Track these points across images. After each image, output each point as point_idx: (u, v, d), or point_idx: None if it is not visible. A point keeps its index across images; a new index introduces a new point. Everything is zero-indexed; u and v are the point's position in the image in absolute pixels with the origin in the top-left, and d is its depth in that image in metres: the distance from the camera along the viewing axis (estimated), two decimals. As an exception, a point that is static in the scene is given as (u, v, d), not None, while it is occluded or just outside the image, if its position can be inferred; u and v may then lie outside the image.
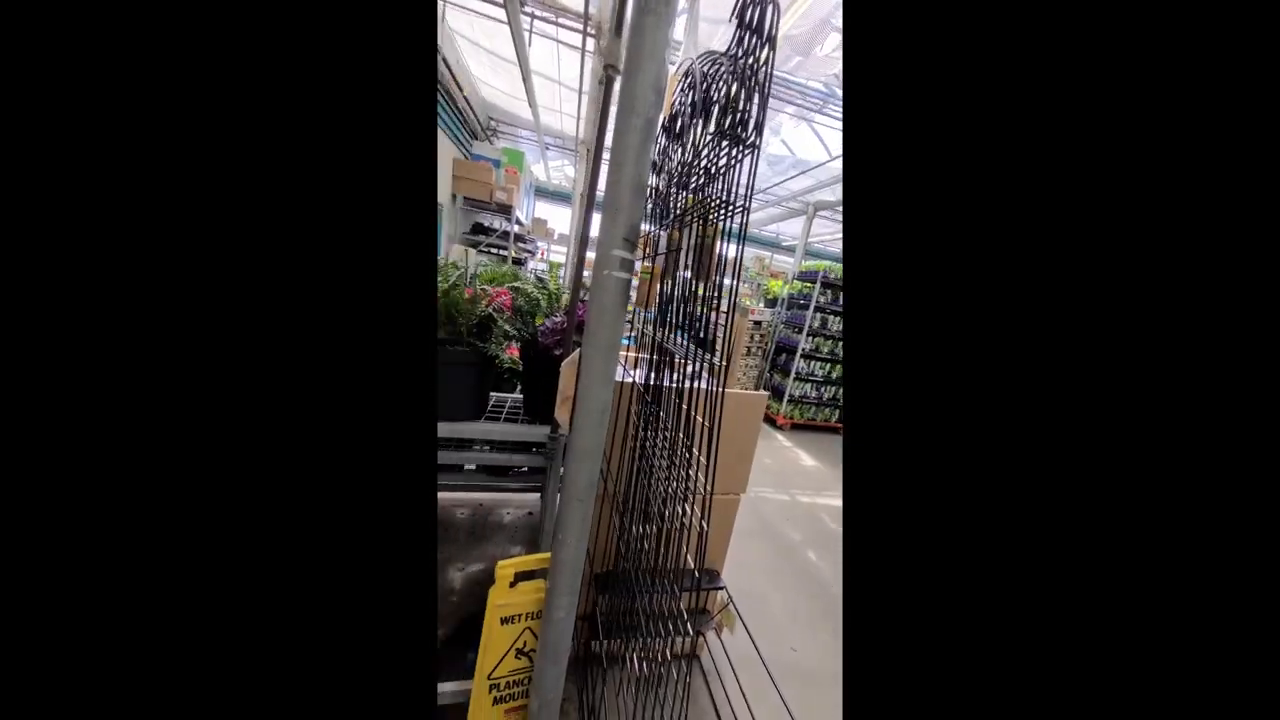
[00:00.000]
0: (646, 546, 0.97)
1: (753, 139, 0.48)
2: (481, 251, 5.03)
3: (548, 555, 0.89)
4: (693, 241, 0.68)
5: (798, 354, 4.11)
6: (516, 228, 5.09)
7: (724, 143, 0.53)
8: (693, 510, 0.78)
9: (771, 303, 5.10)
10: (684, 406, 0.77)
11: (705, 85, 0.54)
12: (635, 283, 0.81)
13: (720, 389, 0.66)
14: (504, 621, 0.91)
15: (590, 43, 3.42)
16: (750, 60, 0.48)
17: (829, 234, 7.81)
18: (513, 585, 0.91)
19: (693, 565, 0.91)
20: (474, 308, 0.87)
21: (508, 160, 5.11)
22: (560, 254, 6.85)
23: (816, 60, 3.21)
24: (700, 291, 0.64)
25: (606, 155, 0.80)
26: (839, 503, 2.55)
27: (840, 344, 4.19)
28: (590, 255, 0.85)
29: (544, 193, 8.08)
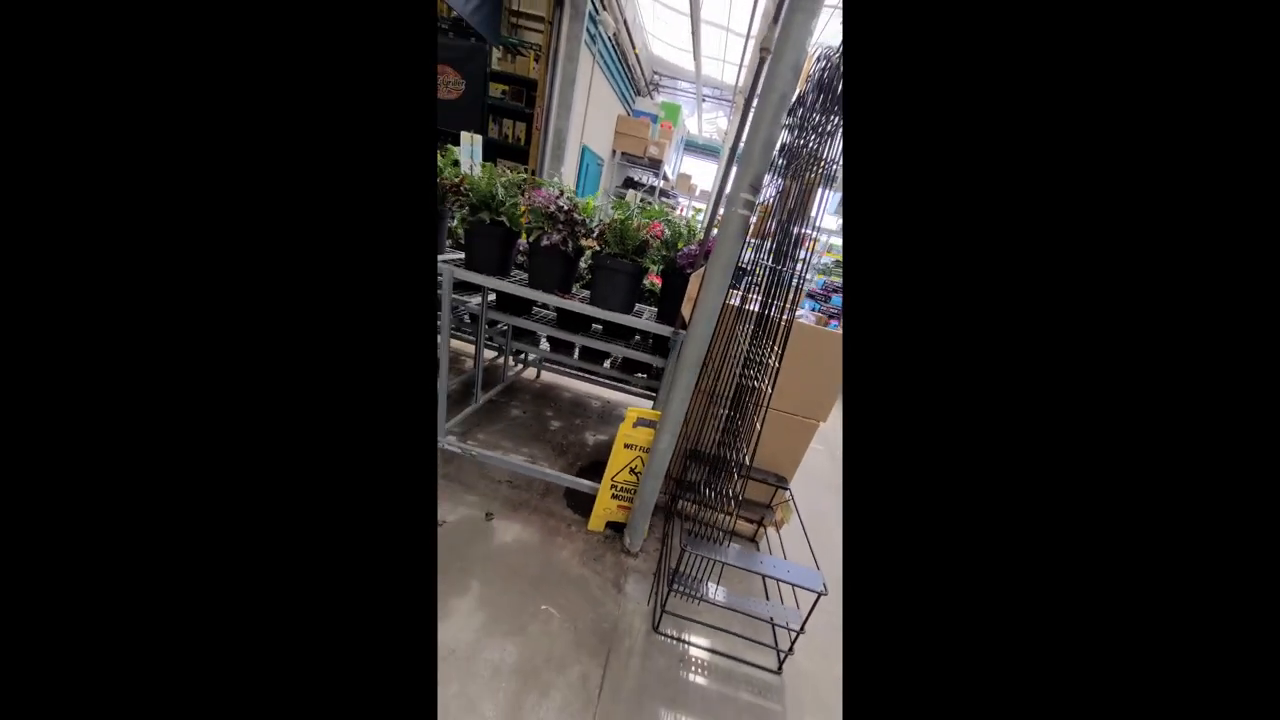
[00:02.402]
0: (724, 424, 1.31)
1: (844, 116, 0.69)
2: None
3: (659, 412, 1.31)
4: (800, 188, 0.92)
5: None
6: (662, 183, 5.43)
7: (833, 116, 0.75)
8: (764, 396, 1.07)
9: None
10: (768, 323, 1.04)
11: (829, 71, 0.76)
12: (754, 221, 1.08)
13: (790, 313, 0.91)
14: (626, 446, 1.39)
15: (766, -16, 3.30)
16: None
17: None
18: (635, 426, 1.37)
19: (747, 455, 1.20)
20: (638, 234, 1.27)
21: (664, 115, 5.37)
22: (700, 209, 7.00)
23: None
24: (794, 231, 0.89)
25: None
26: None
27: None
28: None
29: (693, 146, 8.14)
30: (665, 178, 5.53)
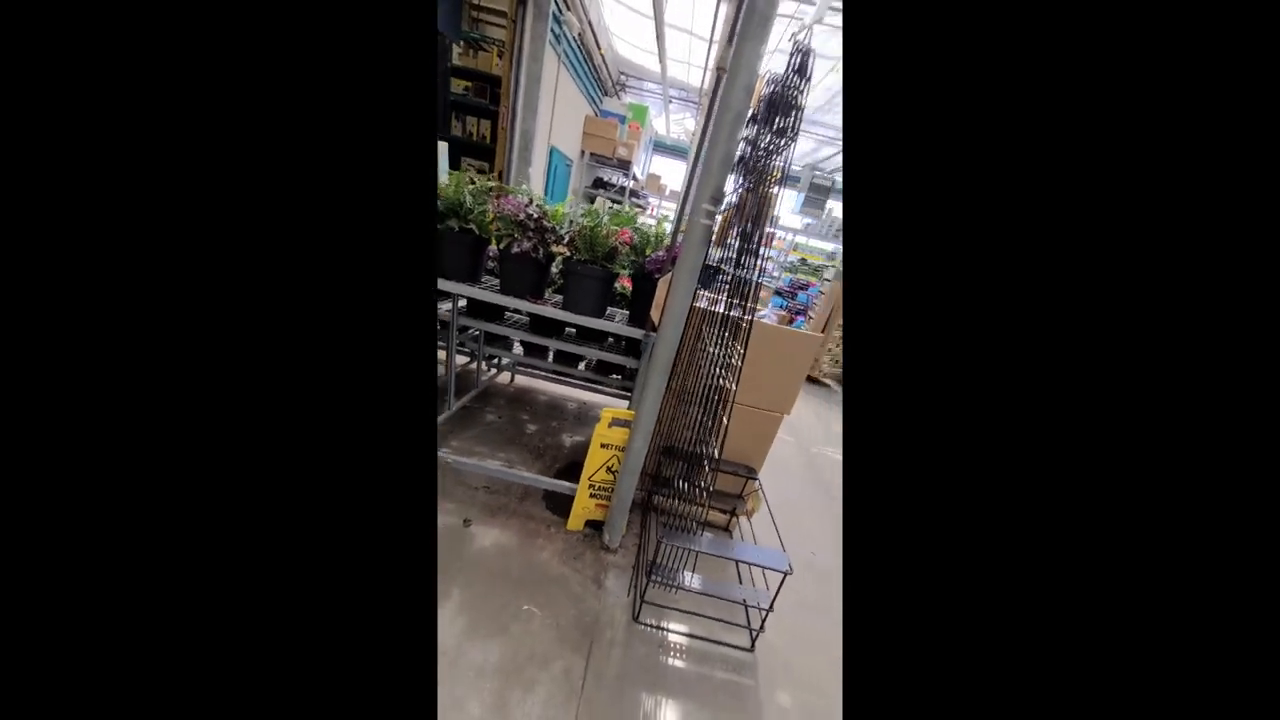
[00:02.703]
0: (695, 421, 1.37)
1: (789, 137, 0.77)
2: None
3: (634, 412, 1.36)
4: (755, 200, 0.99)
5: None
6: (631, 183, 5.47)
7: (779, 139, 0.82)
8: (730, 392, 1.14)
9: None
10: (732, 324, 1.11)
11: (773, 95, 0.83)
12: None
13: (750, 312, 0.99)
14: (602, 446, 1.43)
15: (726, -9, 3.40)
16: (795, 85, 0.76)
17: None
18: (610, 426, 1.41)
19: (715, 449, 1.27)
20: (607, 240, 1.31)
21: (632, 115, 5.40)
22: (670, 209, 7.10)
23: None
24: (751, 234, 0.96)
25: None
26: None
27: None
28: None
29: (662, 147, 8.22)
30: (635, 178, 5.57)
